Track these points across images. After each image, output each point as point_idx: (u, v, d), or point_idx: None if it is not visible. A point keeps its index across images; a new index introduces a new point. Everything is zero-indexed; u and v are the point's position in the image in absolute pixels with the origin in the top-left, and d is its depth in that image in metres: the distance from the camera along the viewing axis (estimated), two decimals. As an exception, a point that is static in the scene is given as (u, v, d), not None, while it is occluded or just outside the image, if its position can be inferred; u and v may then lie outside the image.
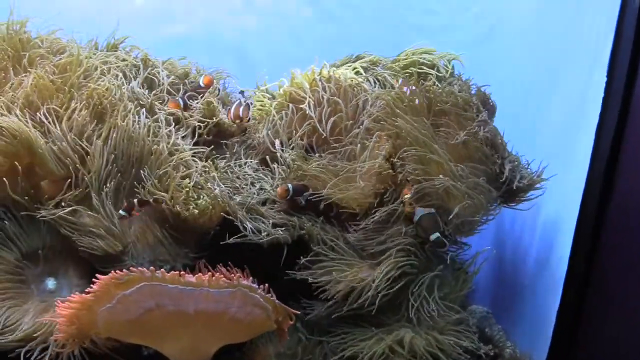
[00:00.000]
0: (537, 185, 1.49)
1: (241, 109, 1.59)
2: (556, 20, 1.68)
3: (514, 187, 1.50)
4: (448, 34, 1.89)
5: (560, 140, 1.59)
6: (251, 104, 1.66)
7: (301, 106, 1.55)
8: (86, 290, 1.22)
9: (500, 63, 1.85)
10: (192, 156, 1.49)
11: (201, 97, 1.59)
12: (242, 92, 1.73)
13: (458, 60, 1.60)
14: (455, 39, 1.78)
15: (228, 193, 1.43)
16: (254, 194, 1.46)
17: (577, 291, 1.44)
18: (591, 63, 1.45)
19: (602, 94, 1.39)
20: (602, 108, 1.39)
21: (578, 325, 1.45)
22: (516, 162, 1.53)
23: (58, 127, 1.38)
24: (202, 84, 1.63)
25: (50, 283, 1.44)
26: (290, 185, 1.47)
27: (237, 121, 1.60)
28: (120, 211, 1.40)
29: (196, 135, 1.55)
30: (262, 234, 1.39)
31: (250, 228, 1.39)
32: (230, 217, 1.41)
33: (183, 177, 1.42)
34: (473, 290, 1.58)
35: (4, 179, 1.34)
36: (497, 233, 1.74)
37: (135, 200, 1.40)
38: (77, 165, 1.38)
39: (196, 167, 1.46)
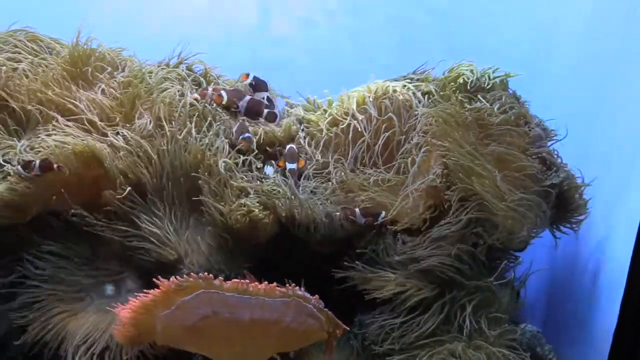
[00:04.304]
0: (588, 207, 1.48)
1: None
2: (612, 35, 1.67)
3: (566, 205, 1.49)
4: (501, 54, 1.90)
5: (618, 157, 1.57)
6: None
7: (341, 127, 1.57)
8: (144, 292, 1.25)
9: (554, 85, 1.85)
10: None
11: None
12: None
13: (511, 78, 1.60)
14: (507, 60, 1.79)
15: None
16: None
17: (635, 312, 1.41)
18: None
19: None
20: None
21: (637, 347, 1.41)
22: (569, 179, 1.52)
23: (122, 141, 1.44)
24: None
25: (109, 289, 1.49)
26: (223, 92, 1.50)
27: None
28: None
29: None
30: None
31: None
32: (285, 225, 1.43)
33: (239, 188, 1.46)
34: (524, 309, 1.56)
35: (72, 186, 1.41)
36: (551, 251, 1.71)
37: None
38: (139, 175, 1.44)
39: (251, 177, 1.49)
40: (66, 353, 1.39)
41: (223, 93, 1.55)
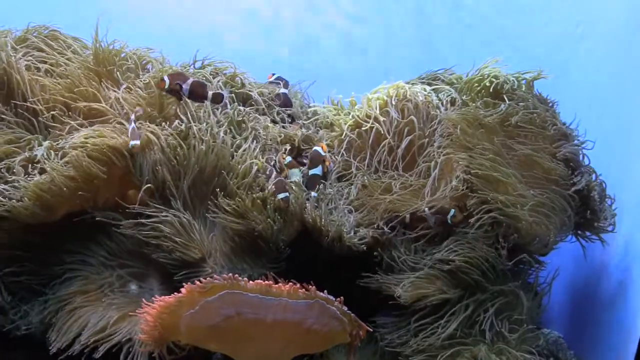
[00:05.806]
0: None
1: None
2: None
3: (590, 212, 1.48)
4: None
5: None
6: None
7: (364, 129, 1.57)
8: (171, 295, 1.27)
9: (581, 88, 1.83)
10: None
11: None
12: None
13: (539, 80, 1.58)
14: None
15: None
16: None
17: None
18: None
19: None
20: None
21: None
22: (593, 182, 1.51)
23: (149, 140, 1.45)
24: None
25: (134, 287, 1.51)
26: (165, 77, 1.47)
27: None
28: None
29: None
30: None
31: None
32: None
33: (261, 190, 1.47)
34: (547, 314, 1.55)
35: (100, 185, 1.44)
36: (576, 256, 1.70)
37: None
38: (164, 174, 1.46)
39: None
40: (87, 341, 1.40)
41: (165, 77, 1.50)
